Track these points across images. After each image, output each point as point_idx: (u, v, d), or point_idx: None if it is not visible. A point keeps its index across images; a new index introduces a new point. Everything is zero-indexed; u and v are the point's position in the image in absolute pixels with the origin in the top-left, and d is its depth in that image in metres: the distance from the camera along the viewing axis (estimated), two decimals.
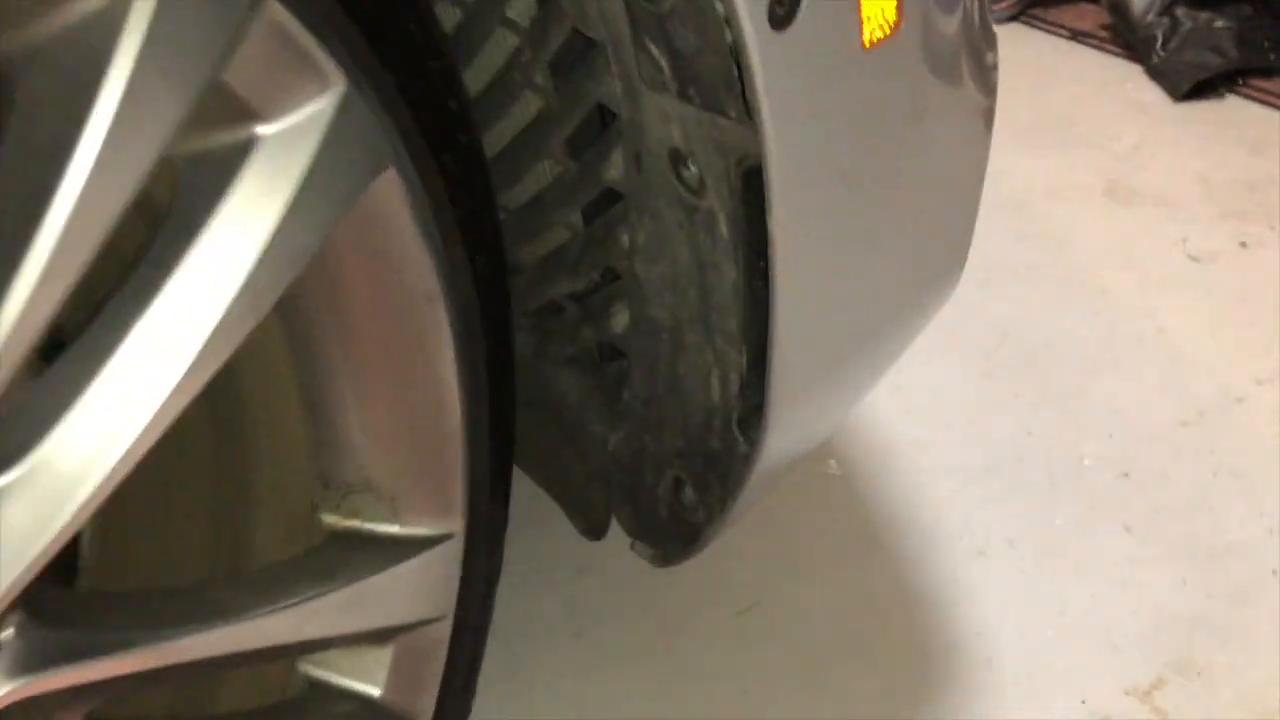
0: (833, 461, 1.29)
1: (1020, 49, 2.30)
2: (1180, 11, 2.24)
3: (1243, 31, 2.17)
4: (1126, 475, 1.27)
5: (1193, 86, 2.14)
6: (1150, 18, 2.27)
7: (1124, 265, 1.64)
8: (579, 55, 0.68)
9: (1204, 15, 2.20)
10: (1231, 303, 1.56)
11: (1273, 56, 2.18)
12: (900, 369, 0.83)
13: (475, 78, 0.75)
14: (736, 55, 0.51)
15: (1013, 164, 1.85)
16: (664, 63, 0.55)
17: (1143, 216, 1.76)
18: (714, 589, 1.12)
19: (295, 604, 0.70)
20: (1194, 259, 1.66)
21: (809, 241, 0.62)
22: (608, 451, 0.87)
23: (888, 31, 0.58)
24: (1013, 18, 2.44)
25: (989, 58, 0.80)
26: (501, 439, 0.80)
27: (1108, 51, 2.35)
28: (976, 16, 0.76)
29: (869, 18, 0.56)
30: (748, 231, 0.63)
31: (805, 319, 0.66)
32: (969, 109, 0.78)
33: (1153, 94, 2.18)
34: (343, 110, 0.52)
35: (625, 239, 0.73)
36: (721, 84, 0.53)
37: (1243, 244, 1.69)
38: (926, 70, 0.66)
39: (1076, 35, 2.43)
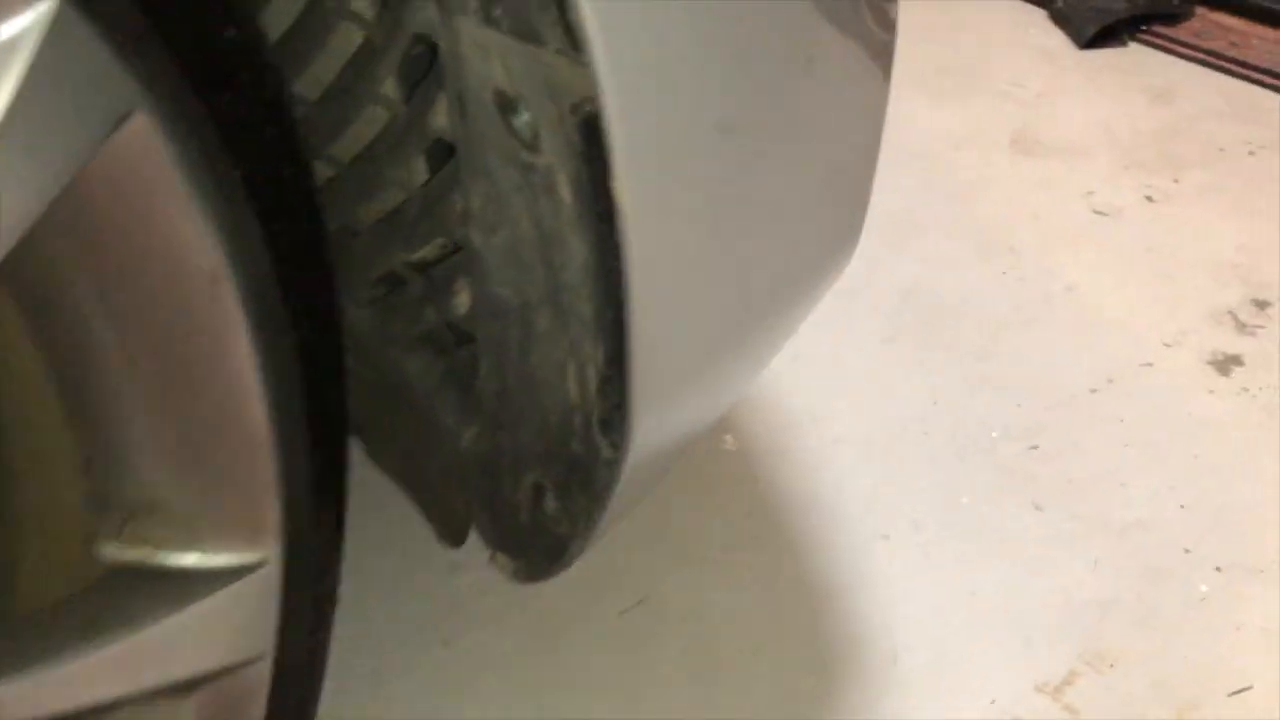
0: (728, 437, 1.19)
1: None
2: None
3: None
4: (1035, 448, 1.20)
5: (1096, 33, 2.08)
6: None
7: (1031, 220, 1.57)
8: None
9: None
10: (1138, 260, 1.50)
11: (1176, 1, 2.12)
12: (798, 334, 0.73)
13: (282, 5, 0.61)
14: None
15: (915, 112, 1.76)
16: None
17: (1049, 168, 1.70)
18: (597, 584, 1.02)
19: (68, 659, 0.57)
20: (1100, 213, 1.60)
21: (666, 209, 0.50)
22: (461, 449, 0.76)
23: None
24: None
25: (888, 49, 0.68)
26: (327, 444, 0.67)
27: None
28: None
29: None
30: (594, 196, 0.51)
31: (667, 302, 0.54)
32: (866, 44, 0.66)
33: (1056, 40, 2.11)
34: (55, 35, 0.39)
35: (459, 202, 0.61)
36: (534, 3, 0.40)
37: (1148, 198, 1.63)
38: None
39: None
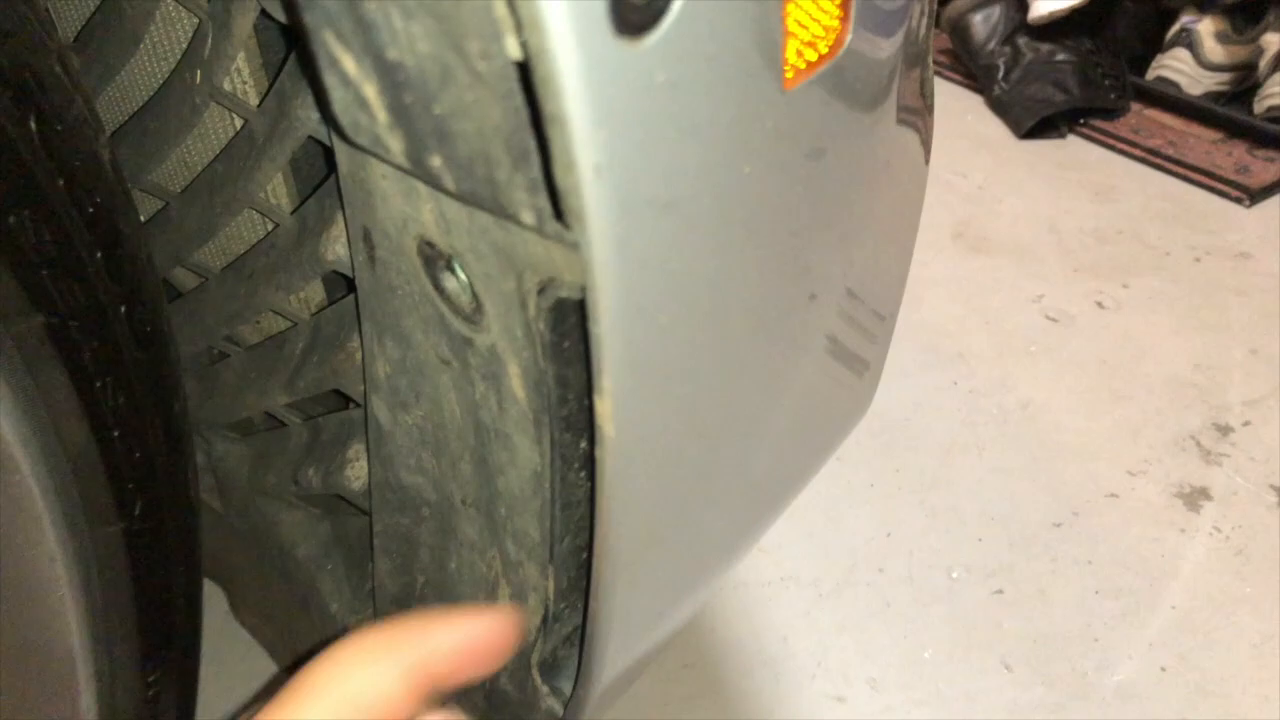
0: None
1: None
2: (1022, 42, 2.12)
3: (1084, 67, 2.06)
4: (1000, 592, 1.08)
5: (1035, 124, 2.02)
6: (992, 45, 2.14)
7: (981, 326, 1.47)
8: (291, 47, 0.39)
9: (1045, 47, 2.08)
10: (1094, 375, 1.40)
11: (1113, 96, 2.08)
12: None
13: (142, 73, 0.45)
14: (537, 99, 0.24)
15: None
16: (371, 94, 0.26)
17: (996, 268, 1.60)
18: None
19: None
20: (1052, 319, 1.50)
21: (657, 427, 0.35)
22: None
23: (825, 51, 0.32)
24: None
25: (929, 96, 0.55)
26: (172, 674, 0.50)
27: (949, 79, 2.21)
28: (920, 27, 0.52)
29: (798, 23, 0.30)
30: (561, 401, 0.36)
31: (648, 531, 0.39)
32: (911, 171, 0.53)
33: (995, 128, 2.04)
34: None
35: (358, 354, 0.45)
36: (504, 156, 0.25)
37: (1099, 304, 1.55)
38: (869, 123, 0.41)
39: None
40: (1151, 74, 2.14)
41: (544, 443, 0.36)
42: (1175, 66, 2.10)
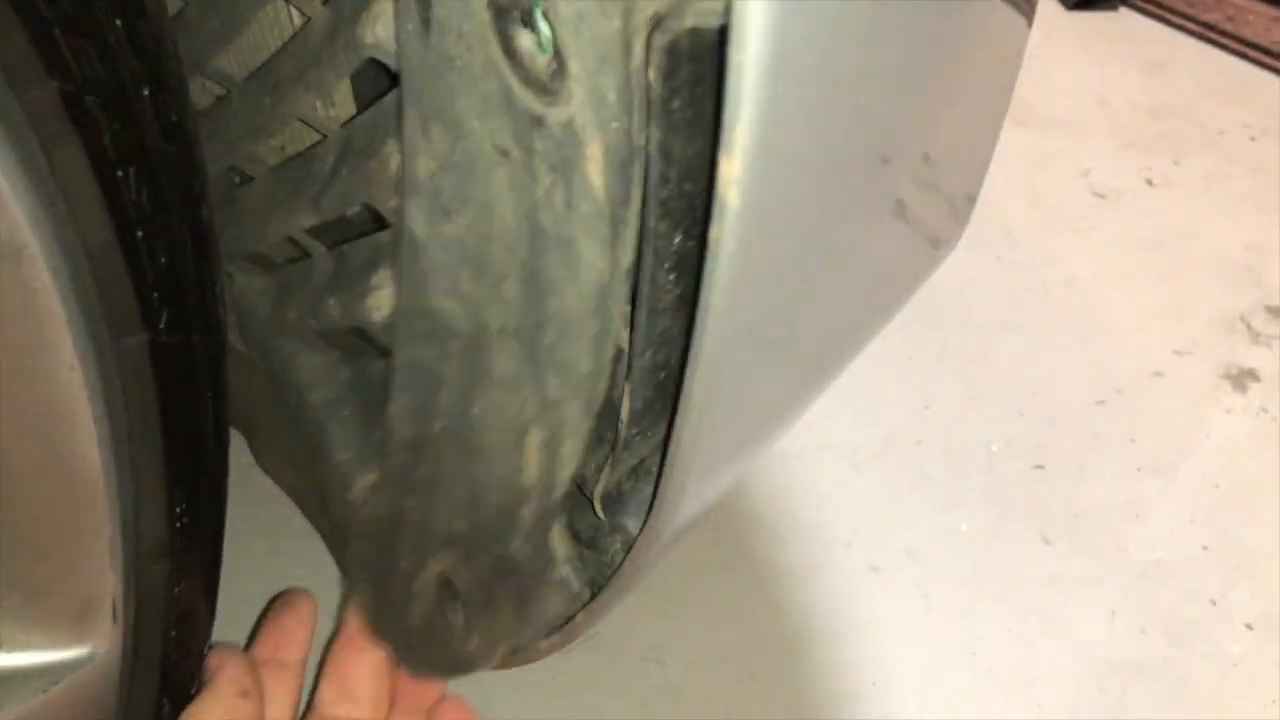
0: None
1: None
2: None
3: None
4: (1040, 468, 1.05)
5: None
6: None
7: (1028, 201, 1.42)
8: None
9: None
10: (1141, 253, 1.35)
11: None
12: None
13: None
14: None
15: None
16: None
17: (1045, 143, 1.54)
18: None
19: None
20: (1100, 195, 1.45)
21: (791, 213, 0.31)
22: (348, 498, 0.56)
23: None
24: None
25: None
26: (202, 507, 0.48)
27: None
28: None
29: None
30: (662, 180, 0.31)
31: (754, 347, 0.36)
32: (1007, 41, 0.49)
33: (1045, 1, 1.95)
34: None
35: (395, 158, 0.41)
36: None
37: (1149, 181, 1.49)
38: None
39: None
40: None
41: (619, 247, 0.32)
42: None
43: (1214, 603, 0.95)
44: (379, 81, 0.46)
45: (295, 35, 0.45)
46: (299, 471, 0.71)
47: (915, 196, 0.42)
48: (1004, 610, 0.92)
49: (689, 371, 0.32)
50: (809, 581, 0.93)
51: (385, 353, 0.53)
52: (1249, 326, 1.25)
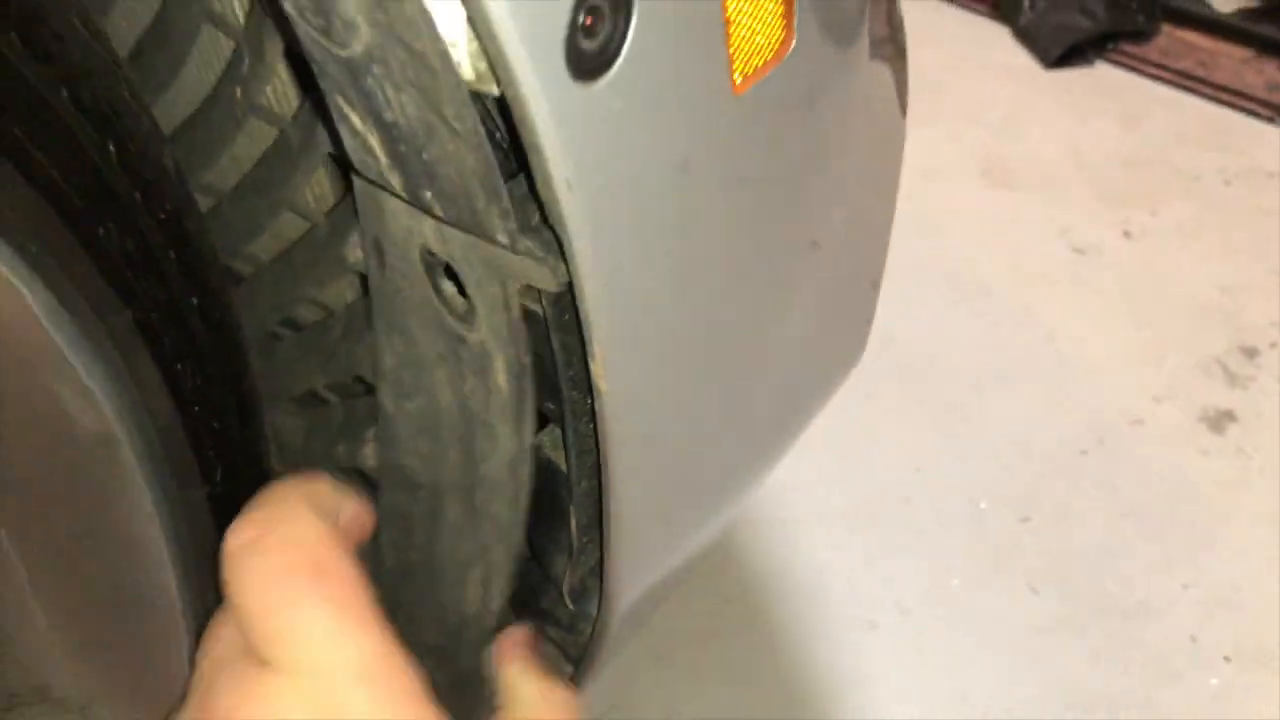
0: None
1: None
2: None
3: None
4: (1026, 519, 1.12)
5: (1063, 52, 2.01)
6: None
7: (1008, 259, 1.50)
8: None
9: None
10: (1120, 303, 1.43)
11: (1141, 19, 2.06)
12: None
13: (186, 88, 0.50)
14: (506, 143, 0.29)
15: None
16: (374, 143, 0.32)
17: (1022, 200, 1.62)
18: None
19: None
20: (1079, 251, 1.53)
21: (655, 385, 0.41)
22: None
23: (770, 56, 0.36)
24: None
25: (897, 93, 0.59)
26: None
27: (974, 11, 2.20)
28: (893, 32, 0.55)
29: (741, 41, 0.34)
30: (567, 364, 0.41)
31: (654, 482, 0.45)
32: (880, 142, 0.57)
33: (1022, 59, 2.04)
34: None
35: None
36: (480, 192, 0.30)
37: (1126, 233, 1.56)
38: (828, 104, 0.45)
39: None
40: None
41: (523, 430, 0.42)
42: None
43: (1194, 638, 1.01)
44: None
45: (304, 235, 0.54)
46: None
47: (776, 359, 0.50)
48: (994, 657, 0.99)
49: (604, 499, 0.41)
50: (810, 640, 1.00)
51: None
52: (1225, 369, 1.32)
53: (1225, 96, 1.92)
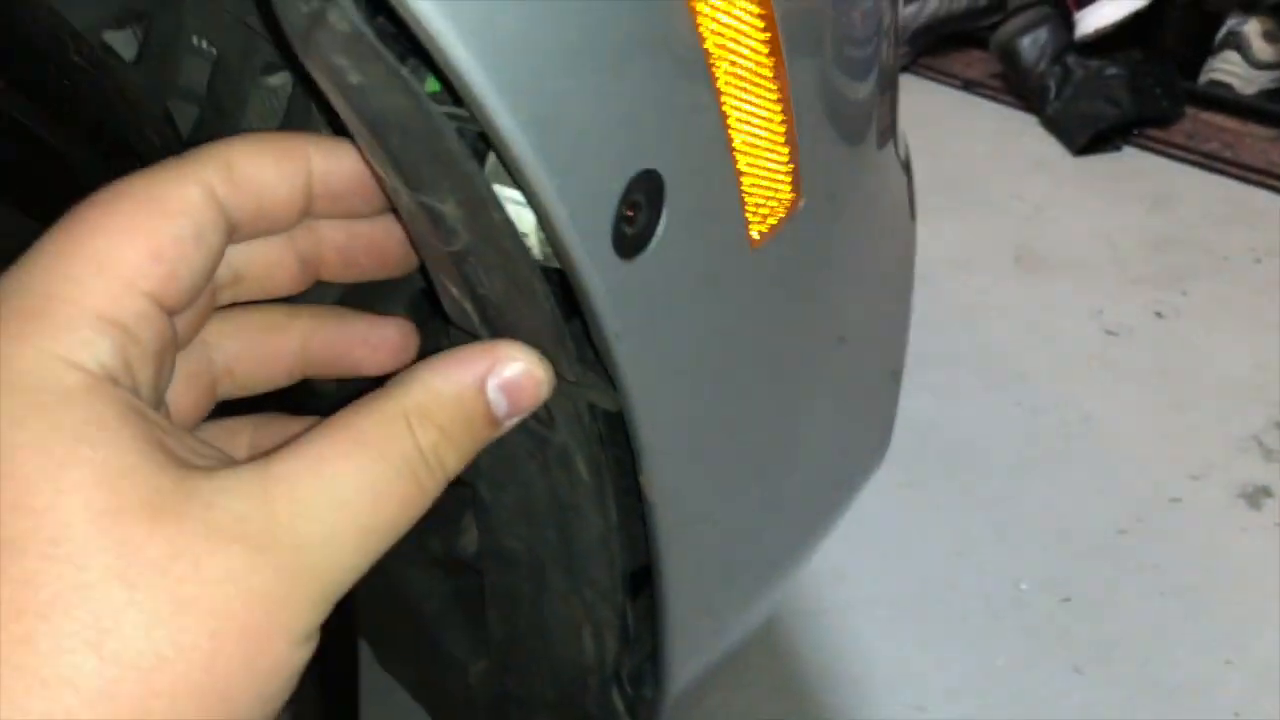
0: None
1: (913, 101, 2.21)
2: (1071, 60, 2.18)
3: (1135, 79, 2.11)
4: (1068, 600, 1.15)
5: (1089, 139, 2.07)
6: (1041, 66, 2.21)
7: (1041, 344, 1.54)
8: None
9: (1095, 63, 2.14)
10: (1154, 383, 1.47)
11: (1165, 104, 2.13)
12: None
13: None
14: (567, 309, 0.37)
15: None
16: (469, 308, 0.40)
17: (1055, 287, 1.67)
18: None
19: None
20: (1111, 333, 1.57)
21: (698, 495, 0.47)
22: (469, 683, 0.71)
23: (783, 214, 0.43)
24: (904, 68, 2.36)
25: (907, 201, 0.66)
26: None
27: (1001, 102, 2.28)
28: (896, 150, 0.62)
29: (756, 205, 0.41)
30: (618, 480, 0.48)
31: (701, 578, 0.51)
32: (888, 276, 0.64)
33: (1050, 147, 2.11)
34: None
35: None
36: (550, 342, 0.38)
37: (1158, 314, 1.61)
38: (836, 244, 0.52)
39: (969, 85, 2.36)
40: (1203, 79, 2.18)
41: (607, 512, 0.48)
42: (1226, 69, 2.14)
43: (1237, 714, 1.03)
44: None
45: None
46: (415, 669, 0.86)
47: (807, 466, 0.56)
48: None
49: (656, 592, 0.48)
50: None
51: (477, 571, 0.69)
52: (1261, 444, 1.35)
53: (1252, 176, 1.97)
